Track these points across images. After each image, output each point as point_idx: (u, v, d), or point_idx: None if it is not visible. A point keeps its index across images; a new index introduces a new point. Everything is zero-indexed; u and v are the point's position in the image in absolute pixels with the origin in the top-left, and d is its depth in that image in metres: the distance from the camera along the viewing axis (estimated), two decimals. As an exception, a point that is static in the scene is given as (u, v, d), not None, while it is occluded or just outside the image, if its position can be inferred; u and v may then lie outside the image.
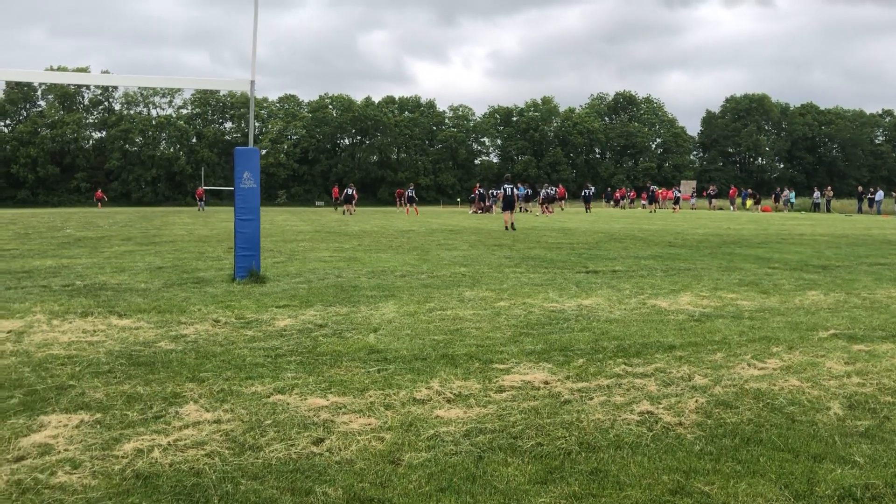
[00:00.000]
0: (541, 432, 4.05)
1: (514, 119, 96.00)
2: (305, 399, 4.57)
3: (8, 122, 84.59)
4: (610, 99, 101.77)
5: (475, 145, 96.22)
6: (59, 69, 72.61)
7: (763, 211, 47.54)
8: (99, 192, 55.02)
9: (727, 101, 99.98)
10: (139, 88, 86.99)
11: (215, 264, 11.89)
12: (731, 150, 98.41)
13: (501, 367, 5.32)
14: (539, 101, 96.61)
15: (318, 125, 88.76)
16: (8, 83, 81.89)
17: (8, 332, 6.42)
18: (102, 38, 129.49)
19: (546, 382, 4.95)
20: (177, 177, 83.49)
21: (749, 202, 52.03)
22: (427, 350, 5.80)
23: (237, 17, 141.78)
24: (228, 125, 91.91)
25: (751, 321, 7.06)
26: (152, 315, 7.30)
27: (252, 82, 9.68)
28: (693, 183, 69.52)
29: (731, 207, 50.88)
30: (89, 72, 71.36)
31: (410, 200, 42.61)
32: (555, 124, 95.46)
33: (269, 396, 4.62)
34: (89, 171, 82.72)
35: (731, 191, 55.61)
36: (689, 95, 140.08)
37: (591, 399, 4.63)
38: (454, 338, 6.25)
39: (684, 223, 27.19)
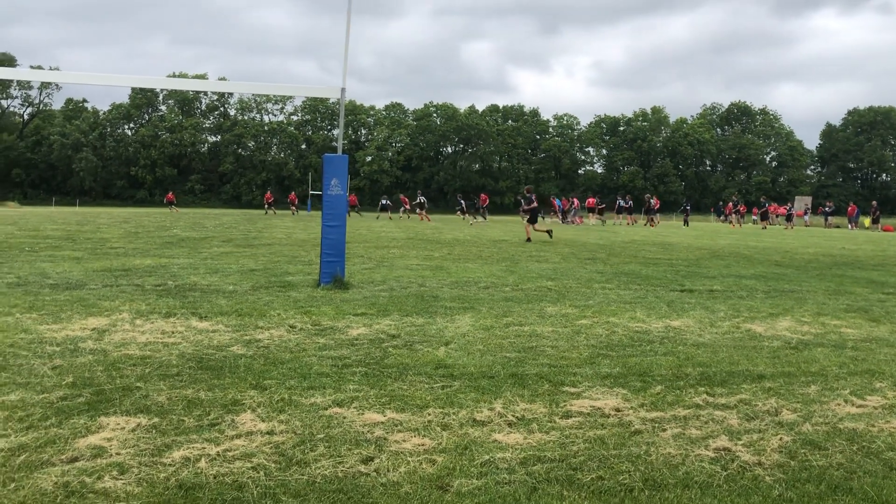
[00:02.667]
0: (603, 465, 3.77)
1: (621, 129, 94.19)
2: (362, 413, 4.44)
3: (132, 125, 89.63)
4: (723, 109, 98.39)
5: (580, 155, 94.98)
6: (179, 76, 76.47)
7: (884, 230, 44.60)
8: (170, 195, 56.37)
9: (849, 113, 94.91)
10: (253, 95, 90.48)
11: (305, 269, 12.03)
12: (851, 165, 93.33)
13: (572, 390, 5.04)
14: (648, 111, 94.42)
15: (422, 133, 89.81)
16: (133, 89, 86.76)
17: (92, 330, 6.61)
18: (218, 46, 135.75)
19: (617, 410, 4.65)
20: (285, 181, 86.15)
21: (866, 220, 48.93)
22: (496, 368, 5.58)
23: (343, 30, 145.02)
24: (336, 132, 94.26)
25: (854, 352, 6.48)
26: (232, 318, 7.39)
27: (343, 90, 9.72)
28: (808, 199, 66.23)
29: (850, 226, 48.00)
30: (207, 79, 74.83)
31: (421, 206, 43.21)
32: (664, 135, 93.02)
33: (326, 409, 4.52)
34: (204, 174, 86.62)
35: (849, 208, 52.54)
36: (803, 107, 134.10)
37: (664, 431, 4.29)
38: (527, 356, 6.00)
39: (795, 241, 25.80)
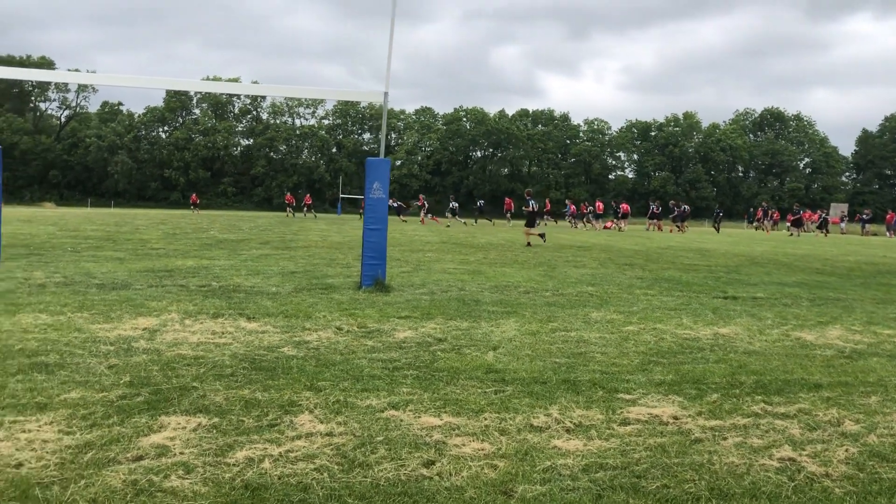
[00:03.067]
0: (667, 473, 3.72)
1: (653, 134, 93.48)
2: (419, 417, 4.44)
3: (166, 128, 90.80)
4: (756, 115, 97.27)
5: (610, 160, 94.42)
6: (213, 79, 77.35)
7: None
8: (194, 197, 57.19)
9: (887, 119, 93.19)
10: (285, 99, 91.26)
11: (344, 271, 12.08)
12: (889, 171, 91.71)
13: (627, 397, 4.99)
14: (680, 116, 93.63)
15: (451, 137, 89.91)
16: (168, 92, 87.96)
17: (143, 330, 6.69)
18: (248, 50, 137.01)
19: (675, 418, 4.59)
20: (316, 184, 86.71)
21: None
22: (547, 373, 5.54)
23: (373, 33, 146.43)
24: (367, 136, 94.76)
25: (912, 362, 6.35)
26: (279, 319, 7.43)
27: (385, 94, 9.76)
28: (844, 206, 65.18)
29: (889, 234, 47.16)
30: (240, 82, 75.53)
31: (454, 212, 43.64)
32: (695, 140, 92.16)
33: (383, 411, 4.52)
34: (236, 177, 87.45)
35: (888, 216, 51.59)
36: (837, 113, 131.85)
37: (725, 440, 4.23)
38: (577, 362, 5.96)
39: (833, 249, 25.39)
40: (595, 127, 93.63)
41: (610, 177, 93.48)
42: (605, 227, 40.21)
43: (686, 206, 44.92)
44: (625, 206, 46.06)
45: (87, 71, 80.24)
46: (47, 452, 3.73)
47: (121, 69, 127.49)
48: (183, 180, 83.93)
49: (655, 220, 43.23)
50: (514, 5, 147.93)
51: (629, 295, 10.12)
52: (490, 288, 10.37)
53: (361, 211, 47.15)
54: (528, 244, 20.26)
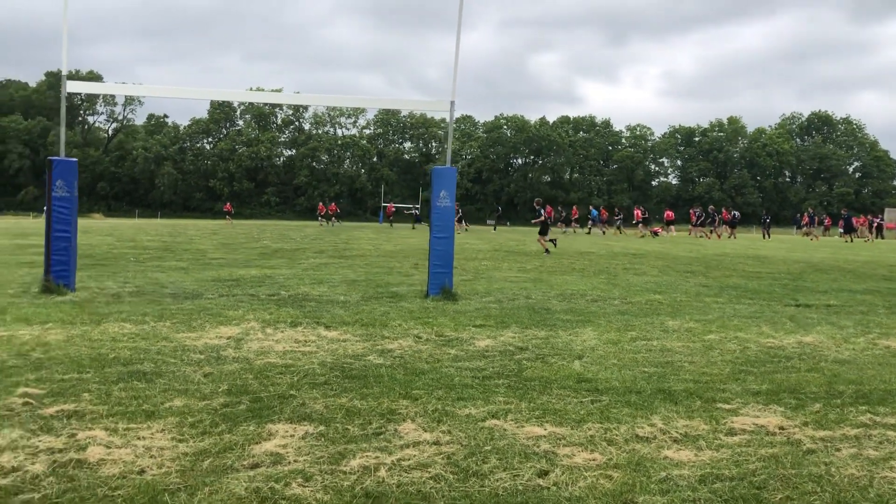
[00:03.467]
0: (787, 484, 3.64)
1: (696, 139, 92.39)
2: (522, 426, 4.41)
3: (210, 139, 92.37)
4: (803, 119, 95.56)
5: (653, 166, 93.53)
6: (256, 90, 78.49)
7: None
8: (227, 206, 57.78)
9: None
10: (327, 109, 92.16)
11: (405, 280, 12.13)
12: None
13: (727, 407, 4.90)
14: (724, 121, 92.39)
15: (492, 145, 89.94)
16: (212, 103, 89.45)
17: (228, 339, 6.78)
18: (289, 61, 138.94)
19: (782, 428, 4.50)
20: (358, 193, 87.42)
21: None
22: (640, 383, 5.48)
23: (411, 43, 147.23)
24: (408, 145, 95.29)
25: None
26: (356, 328, 7.48)
27: (452, 102, 9.79)
28: (899, 210, 63.58)
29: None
30: (283, 92, 76.46)
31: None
32: (741, 145, 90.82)
33: (484, 420, 4.51)
34: (279, 187, 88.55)
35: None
36: (886, 116, 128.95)
37: (839, 451, 4.13)
38: (666, 371, 5.88)
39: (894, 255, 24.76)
40: (637, 133, 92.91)
41: (653, 183, 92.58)
42: (653, 233, 39.63)
43: (736, 213, 44.20)
44: (669, 213, 45.52)
45: (133, 83, 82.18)
46: (167, 460, 3.79)
47: (165, 81, 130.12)
48: (227, 191, 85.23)
49: (699, 227, 42.36)
50: (552, 12, 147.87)
51: (699, 303, 9.98)
52: (556, 296, 10.31)
53: (413, 221, 47.73)
54: (547, 252, 20.26)
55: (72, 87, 9.50)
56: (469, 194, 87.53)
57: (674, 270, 14.94)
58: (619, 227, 43.76)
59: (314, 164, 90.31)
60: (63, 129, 9.94)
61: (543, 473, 3.74)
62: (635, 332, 7.56)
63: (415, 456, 3.91)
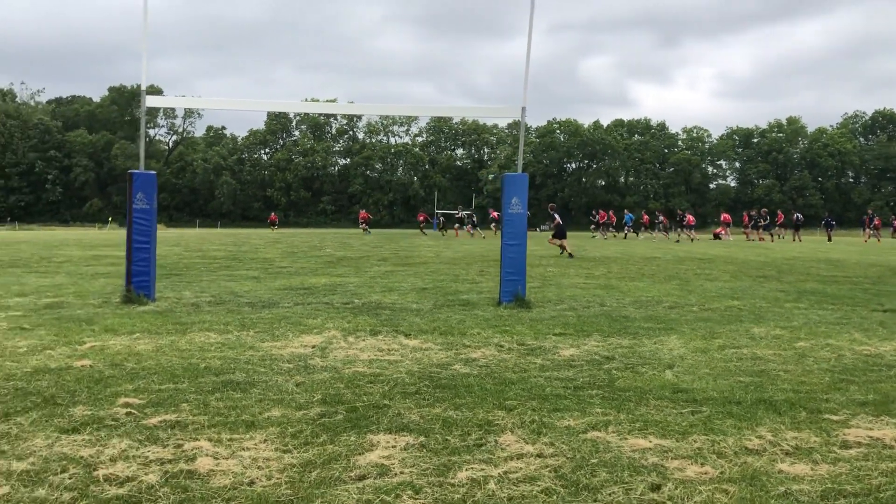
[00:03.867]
0: (916, 502, 3.47)
1: (755, 140, 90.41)
2: (625, 439, 4.31)
3: (267, 150, 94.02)
4: (867, 117, 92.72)
5: (710, 168, 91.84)
6: (311, 101, 79.56)
7: None
8: (273, 216, 58.23)
9: None
10: (380, 118, 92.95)
11: (474, 287, 12.09)
12: None
13: (835, 418, 4.72)
14: (783, 122, 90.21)
15: (545, 150, 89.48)
16: (269, 114, 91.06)
17: (312, 347, 6.82)
18: (340, 72, 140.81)
19: (899, 441, 4.31)
20: (411, 200, 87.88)
21: None
22: (738, 393, 5.32)
23: (460, 51, 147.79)
24: (459, 151, 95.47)
25: None
26: (436, 336, 7.46)
27: (523, 108, 9.72)
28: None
29: None
30: (336, 102, 77.40)
31: (460, 222, 41.83)
32: (801, 146, 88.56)
33: (585, 432, 4.42)
34: (334, 195, 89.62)
35: None
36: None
37: (967, 466, 3.93)
38: (763, 380, 5.71)
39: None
40: (694, 135, 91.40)
41: (711, 186, 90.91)
42: (714, 235, 38.76)
43: (799, 215, 43.06)
44: (726, 216, 44.60)
45: (193, 96, 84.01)
46: (274, 471, 3.80)
47: (221, 93, 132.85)
48: (284, 200, 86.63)
49: (755, 230, 40.93)
50: (601, 16, 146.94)
51: (780, 309, 9.70)
52: (632, 303, 10.14)
53: (457, 226, 47.55)
54: (570, 255, 20.62)
55: (151, 101, 9.73)
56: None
57: (746, 275, 14.58)
58: (666, 231, 42.42)
59: (368, 172, 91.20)
60: (143, 143, 10.19)
61: (656, 487, 3.64)
62: (721, 340, 7.37)
63: (521, 469, 3.85)
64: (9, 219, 78.36)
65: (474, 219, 46.03)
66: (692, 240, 37.51)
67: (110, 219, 76.98)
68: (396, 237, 39.76)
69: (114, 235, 36.97)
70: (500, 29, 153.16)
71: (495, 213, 50.56)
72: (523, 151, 10.20)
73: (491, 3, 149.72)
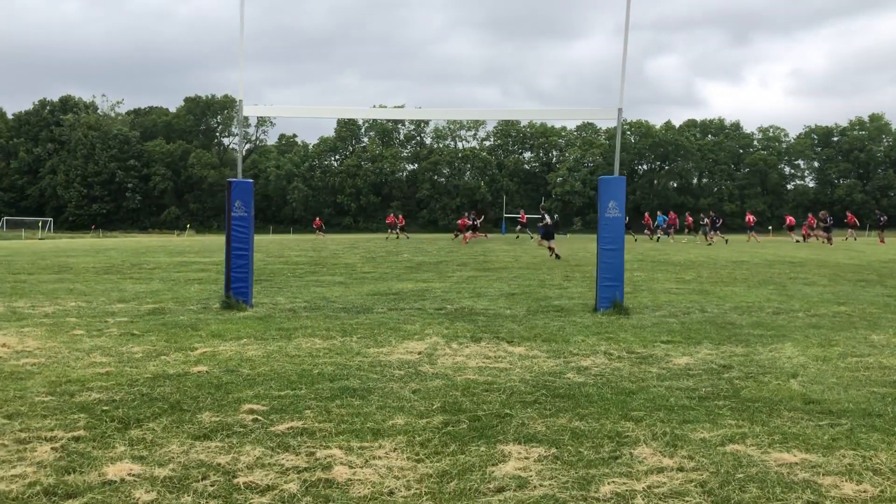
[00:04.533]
0: None
1: (835, 139, 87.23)
2: (767, 453, 4.12)
3: (337, 157, 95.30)
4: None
5: (788, 169, 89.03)
6: (379, 107, 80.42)
7: None
8: (318, 221, 54.70)
9: None
10: (447, 122, 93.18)
11: (563, 293, 11.92)
12: None
13: None
14: (865, 119, 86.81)
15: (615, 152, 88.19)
16: (338, 122, 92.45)
17: (419, 354, 6.79)
18: (406, 78, 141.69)
19: None
20: (478, 204, 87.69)
21: None
22: (875, 405, 5.05)
23: (526, 54, 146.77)
24: (527, 155, 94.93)
25: None
26: (539, 343, 7.34)
27: (619, 110, 9.53)
28: None
29: None
30: (404, 108, 77.96)
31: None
32: (885, 144, 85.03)
33: (723, 445, 4.25)
34: (403, 200, 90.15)
35: None
36: None
37: None
38: (899, 391, 5.41)
39: None
40: (770, 135, 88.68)
41: (788, 186, 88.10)
42: (815, 237, 37.12)
43: (883, 216, 41.19)
44: (790, 219, 43.05)
45: (265, 105, 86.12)
46: (412, 481, 3.76)
47: (291, 102, 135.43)
48: (354, 206, 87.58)
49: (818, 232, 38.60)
50: (671, 15, 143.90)
51: (893, 315, 9.25)
52: (733, 309, 9.82)
53: (525, 230, 46.69)
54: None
55: (248, 110, 9.91)
56: (592, 202, 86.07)
57: (844, 279, 13.99)
58: (704, 233, 39.66)
59: (436, 177, 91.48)
60: (241, 152, 10.38)
61: (814, 505, 3.46)
62: (840, 348, 7.05)
63: (665, 483, 3.71)
64: (93, 227, 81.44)
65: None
66: (725, 241, 36.23)
67: (188, 226, 79.21)
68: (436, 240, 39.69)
69: (195, 242, 37.98)
70: (563, 31, 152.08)
71: (524, 217, 49.68)
72: (618, 154, 9.98)
73: (553, 5, 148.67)
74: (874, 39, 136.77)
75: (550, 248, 21.55)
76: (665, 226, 42.04)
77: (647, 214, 47.45)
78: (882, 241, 37.05)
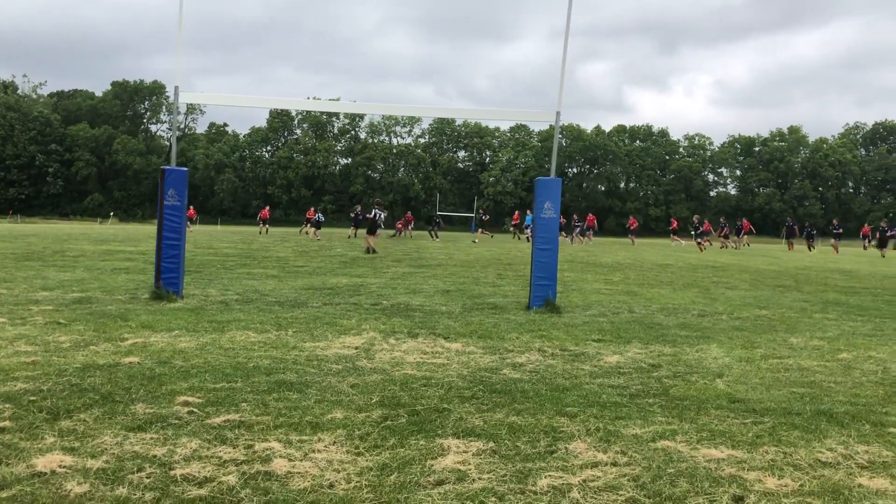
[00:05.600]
0: None
1: (757, 149, 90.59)
2: (696, 449, 4.29)
3: (269, 148, 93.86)
4: (867, 128, 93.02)
5: (711, 176, 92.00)
6: (314, 99, 79.48)
7: None
8: (265, 212, 45.35)
9: None
10: (382, 118, 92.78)
11: (497, 290, 12.06)
12: None
13: (900, 432, 4.71)
14: (785, 131, 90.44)
15: (547, 154, 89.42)
16: (270, 112, 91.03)
17: (356, 349, 6.79)
18: (340, 73, 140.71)
19: (970, 456, 4.29)
20: (412, 202, 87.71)
21: None
22: (795, 404, 5.30)
23: (460, 53, 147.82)
24: (462, 154, 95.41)
25: None
26: (476, 340, 7.43)
27: (558, 113, 9.70)
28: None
29: None
30: (339, 101, 77.33)
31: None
32: (802, 155, 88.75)
33: (654, 441, 4.40)
34: (335, 195, 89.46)
35: None
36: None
37: None
38: (816, 392, 5.69)
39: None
40: (696, 142, 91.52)
41: (711, 193, 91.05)
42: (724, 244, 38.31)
43: (799, 224, 42.80)
44: (707, 225, 44.23)
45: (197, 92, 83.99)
46: (352, 474, 3.77)
47: (223, 91, 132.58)
48: (285, 198, 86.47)
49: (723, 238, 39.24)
50: (602, 22, 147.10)
51: (810, 319, 9.70)
52: (660, 310, 10.13)
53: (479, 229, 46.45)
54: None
55: (185, 97, 9.68)
56: (523, 203, 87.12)
57: (764, 284, 14.58)
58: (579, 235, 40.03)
59: (370, 172, 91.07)
60: (175, 139, 10.16)
61: (739, 499, 3.62)
62: (762, 350, 7.36)
63: (600, 477, 3.82)
64: (10, 212, 78.05)
65: (440, 222, 44.21)
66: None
67: (111, 214, 76.73)
68: (405, 239, 39.65)
69: (119, 230, 36.88)
70: (497, 33, 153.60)
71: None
72: (555, 156, 10.16)
73: (488, 7, 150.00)
74: (792, 55, 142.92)
75: (369, 244, 21.57)
76: (584, 227, 42.01)
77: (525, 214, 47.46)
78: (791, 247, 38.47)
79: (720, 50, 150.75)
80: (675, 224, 43.51)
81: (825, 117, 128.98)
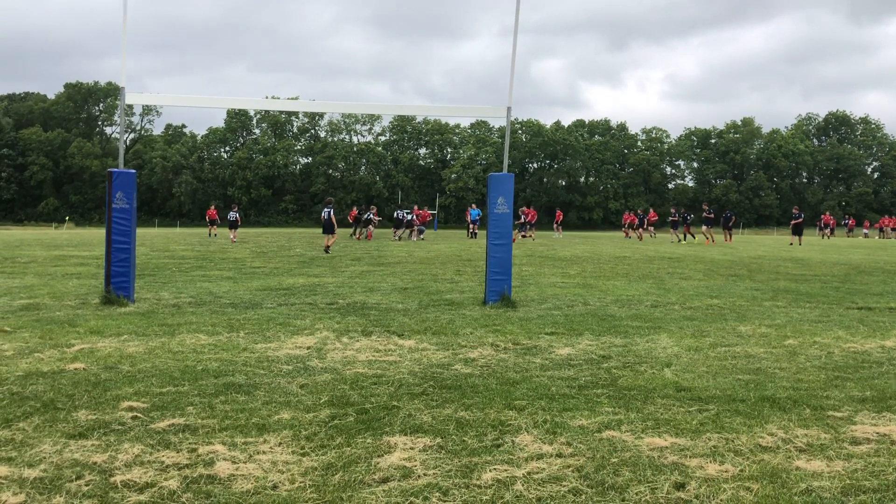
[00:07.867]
0: (933, 496, 3.56)
1: (713, 141, 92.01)
2: (641, 438, 4.34)
3: (227, 148, 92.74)
4: (819, 119, 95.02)
5: (669, 169, 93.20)
6: (271, 99, 78.72)
7: None
8: (212, 210, 40.74)
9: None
10: (342, 116, 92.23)
11: (454, 287, 12.08)
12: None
13: (839, 415, 4.82)
14: (739, 123, 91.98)
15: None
16: (228, 112, 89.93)
17: (308, 349, 6.75)
18: (294, 72, 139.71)
19: (905, 436, 4.41)
20: (374, 200, 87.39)
21: None
22: (740, 391, 5.40)
23: (415, 51, 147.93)
24: (422, 151, 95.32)
25: None
26: (429, 336, 7.43)
27: (508, 108, 9.74)
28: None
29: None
30: (298, 99, 76.70)
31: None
32: (756, 147, 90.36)
33: (599, 431, 4.45)
34: (296, 194, 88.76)
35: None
36: (892, 115, 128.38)
37: (973, 460, 4.04)
38: (761, 378, 5.80)
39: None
40: (653, 136, 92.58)
41: (670, 186, 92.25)
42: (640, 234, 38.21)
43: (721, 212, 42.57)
44: (652, 214, 44.27)
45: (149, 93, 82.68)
46: (296, 474, 3.75)
47: (177, 92, 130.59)
48: (245, 199, 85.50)
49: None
50: (552, 20, 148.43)
51: (760, 307, 9.88)
52: (614, 302, 10.23)
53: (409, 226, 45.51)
54: (327, 250, 21.17)
55: (131, 98, 9.52)
56: (485, 199, 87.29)
57: (718, 274, 14.81)
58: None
59: (330, 171, 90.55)
60: (122, 141, 9.98)
61: (680, 486, 3.67)
62: (711, 339, 7.48)
63: (545, 469, 3.86)
64: (-41, 218, 76.09)
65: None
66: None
67: (67, 218, 75.20)
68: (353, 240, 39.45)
69: (73, 235, 36.15)
70: (450, 31, 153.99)
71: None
72: (507, 151, 10.20)
73: (439, 5, 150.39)
74: (739, 49, 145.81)
75: (328, 244, 21.73)
76: (524, 220, 40.75)
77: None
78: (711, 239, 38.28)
79: (669, 45, 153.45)
80: (653, 216, 42.76)
81: (772, 109, 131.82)
